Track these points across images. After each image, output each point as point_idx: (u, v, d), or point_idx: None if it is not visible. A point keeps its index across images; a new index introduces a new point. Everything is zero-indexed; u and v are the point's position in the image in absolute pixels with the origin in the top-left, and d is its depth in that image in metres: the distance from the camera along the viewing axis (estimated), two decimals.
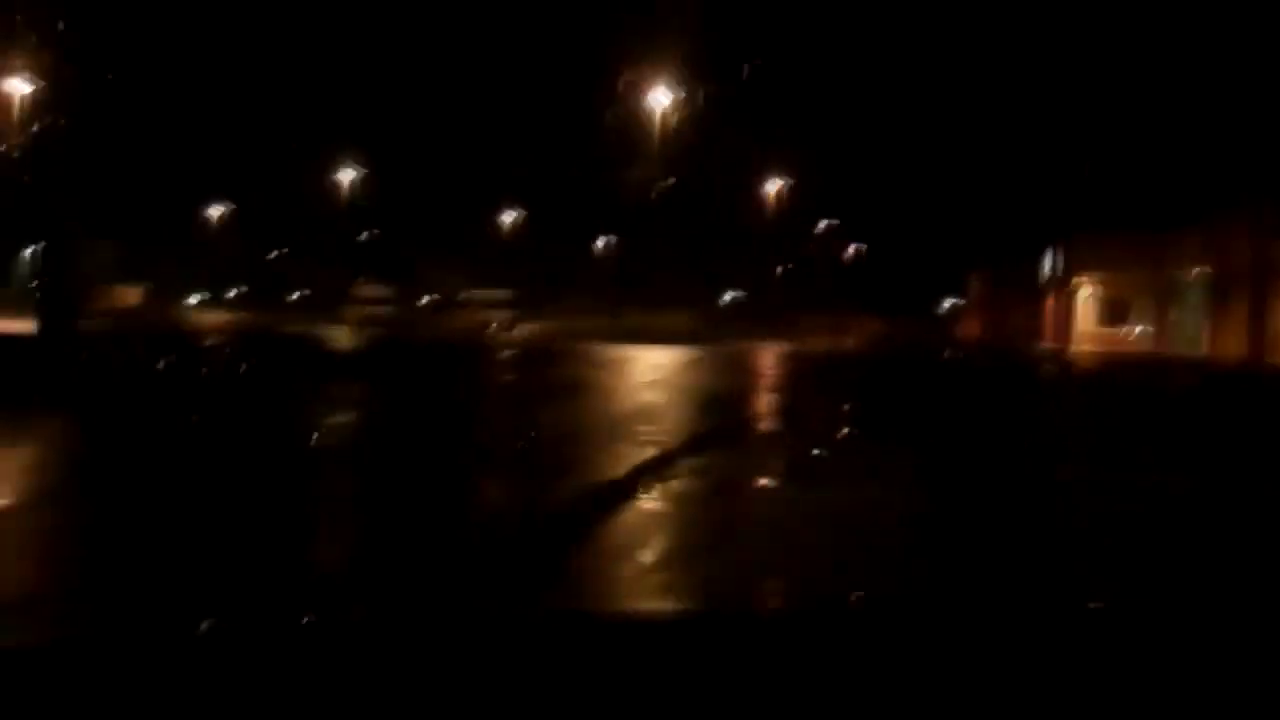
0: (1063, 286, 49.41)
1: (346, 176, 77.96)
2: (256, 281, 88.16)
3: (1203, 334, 42.18)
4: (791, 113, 75.03)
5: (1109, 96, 48.15)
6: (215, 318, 64.90)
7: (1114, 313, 48.59)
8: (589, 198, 75.16)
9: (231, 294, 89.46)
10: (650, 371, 22.26)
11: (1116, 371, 32.18)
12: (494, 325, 47.08)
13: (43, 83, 43.74)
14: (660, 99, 44.38)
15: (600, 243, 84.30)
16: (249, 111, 72.95)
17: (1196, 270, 42.32)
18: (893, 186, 70.63)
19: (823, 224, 78.82)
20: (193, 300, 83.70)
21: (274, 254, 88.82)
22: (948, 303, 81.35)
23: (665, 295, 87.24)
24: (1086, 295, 49.00)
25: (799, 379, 23.19)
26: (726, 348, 35.85)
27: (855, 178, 77.59)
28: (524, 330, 49.82)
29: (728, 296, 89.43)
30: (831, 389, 20.23)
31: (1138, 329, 47.68)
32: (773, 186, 71.61)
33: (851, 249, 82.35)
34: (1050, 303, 52.52)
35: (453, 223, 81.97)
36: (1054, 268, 51.65)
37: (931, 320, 79.20)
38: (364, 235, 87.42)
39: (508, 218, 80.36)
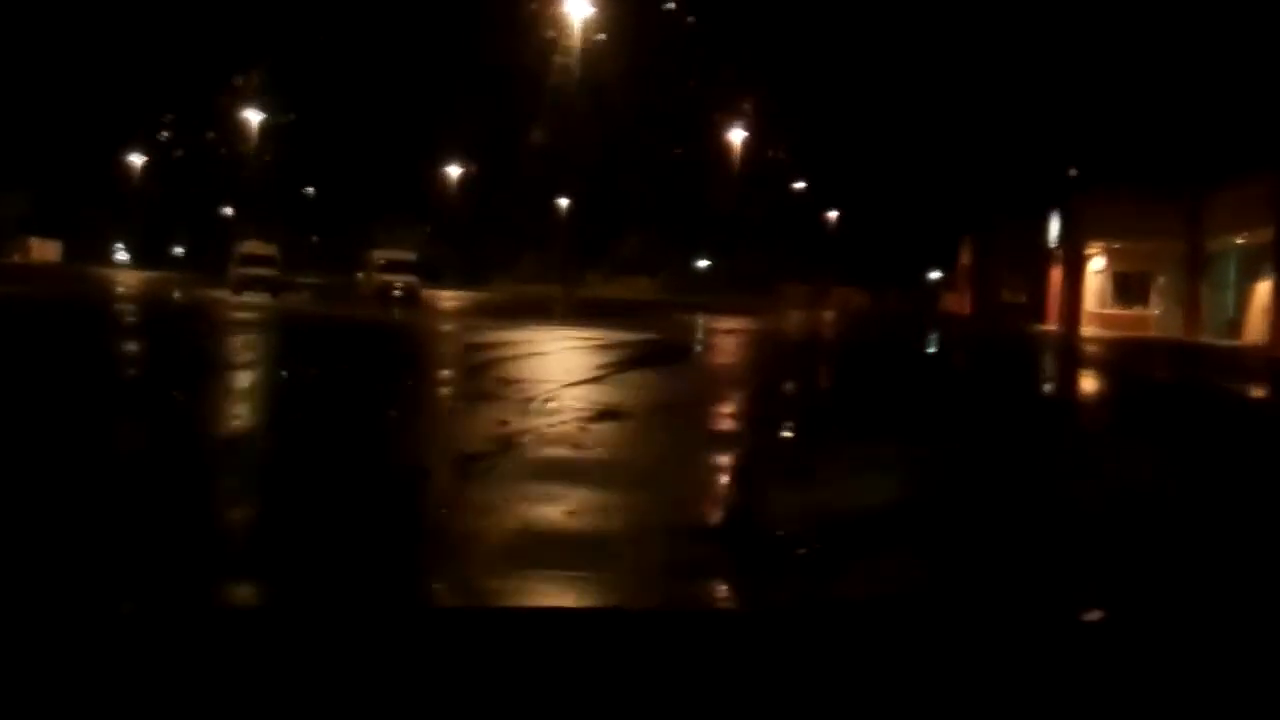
0: (1069, 257, 39.83)
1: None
2: (197, 238, 79.58)
3: (1244, 318, 32.79)
4: (767, 65, 66.02)
5: (1124, 25, 38.35)
6: (133, 276, 56.50)
7: (1130, 289, 39.09)
8: (546, 152, 66.73)
9: (177, 250, 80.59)
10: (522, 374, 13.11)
11: (1147, 367, 22.99)
12: (396, 290, 37.77)
13: None
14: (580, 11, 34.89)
15: (563, 202, 75.69)
16: (181, 54, 64.45)
17: (1238, 239, 32.85)
18: (876, 138, 61.64)
19: (800, 185, 69.56)
20: (121, 256, 74.49)
21: (226, 210, 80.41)
22: (935, 274, 72.80)
23: (631, 262, 79.10)
24: (1097, 268, 39.48)
25: (735, 388, 14.13)
26: (676, 330, 26.92)
27: (834, 133, 68.72)
28: (430, 298, 40.87)
29: (701, 264, 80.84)
30: (777, 400, 11.42)
31: (1157, 310, 38.22)
32: (749, 147, 62.01)
33: (833, 214, 73.58)
34: (1054, 276, 43.00)
35: (397, 178, 73.64)
36: (1059, 234, 42.01)
37: (918, 292, 70.87)
38: (309, 190, 79.05)
39: (454, 172, 71.10)
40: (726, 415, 9.44)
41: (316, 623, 1.54)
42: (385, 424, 8.79)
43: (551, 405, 9.49)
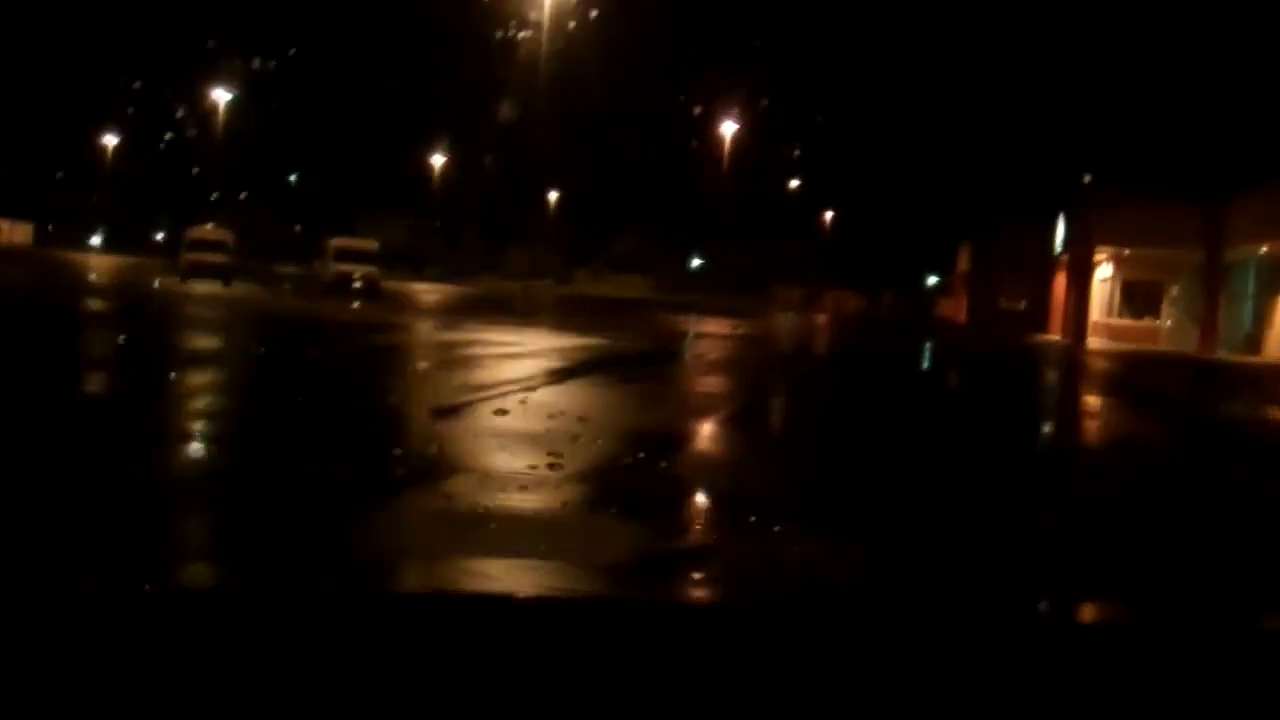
0: (1076, 263, 36.68)
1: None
2: (179, 223, 76.34)
3: (1265, 332, 29.70)
4: (765, 62, 63.12)
5: (1139, 22, 35.18)
6: (103, 261, 53.47)
7: (1139, 299, 35.92)
8: (537, 145, 63.74)
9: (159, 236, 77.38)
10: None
11: (1173, 389, 19.91)
12: (355, 282, 34.78)
13: None
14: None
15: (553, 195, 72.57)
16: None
17: (1260, 248, 29.71)
18: (875, 137, 58.50)
19: (796, 184, 66.24)
20: (96, 241, 71.15)
21: (214, 196, 77.37)
22: (932, 279, 69.83)
23: (624, 259, 76.27)
24: (1104, 276, 36.32)
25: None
26: (642, 335, 24.01)
27: (833, 131, 65.76)
28: (403, 292, 38.06)
29: (696, 263, 77.75)
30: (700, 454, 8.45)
31: (1169, 322, 35.07)
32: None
33: (829, 214, 70.31)
34: (1057, 283, 39.90)
35: (385, 168, 70.92)
36: (1065, 239, 38.86)
37: (914, 298, 67.87)
38: (292, 178, 76.10)
39: (442, 163, 67.95)
40: (602, 485, 6.34)
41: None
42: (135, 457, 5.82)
43: (369, 455, 6.47)
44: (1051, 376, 22.51)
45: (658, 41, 53.85)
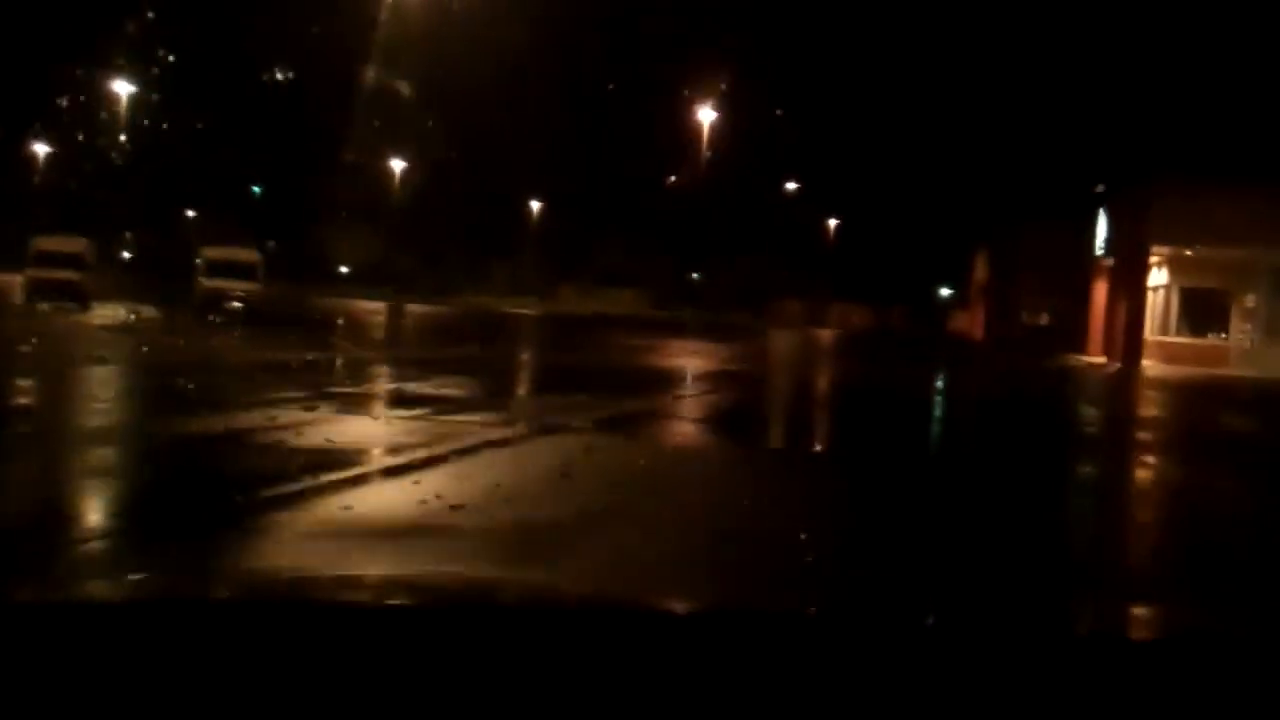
0: (1126, 267, 29.53)
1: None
2: (147, 241, 70.67)
3: None
4: (761, 57, 56.69)
5: None
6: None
7: (1204, 311, 28.74)
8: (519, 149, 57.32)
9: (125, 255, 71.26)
10: None
11: None
12: (233, 301, 28.27)
13: None
14: None
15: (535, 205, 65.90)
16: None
17: None
18: (880, 133, 51.84)
19: (796, 189, 59.23)
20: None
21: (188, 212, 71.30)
22: (946, 290, 63.03)
23: (614, 273, 70.04)
24: (1157, 282, 29.20)
25: None
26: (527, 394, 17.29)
27: (835, 131, 59.24)
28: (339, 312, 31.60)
29: (693, 275, 71.18)
30: None
31: (1245, 339, 27.90)
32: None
33: (833, 221, 63.38)
34: (1098, 293, 32.79)
35: (355, 178, 64.50)
36: (1108, 239, 31.73)
37: (927, 311, 61.13)
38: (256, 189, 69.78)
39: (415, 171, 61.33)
40: None
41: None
42: None
43: None
44: (1126, 431, 15.36)
45: (652, 42, 47.51)
